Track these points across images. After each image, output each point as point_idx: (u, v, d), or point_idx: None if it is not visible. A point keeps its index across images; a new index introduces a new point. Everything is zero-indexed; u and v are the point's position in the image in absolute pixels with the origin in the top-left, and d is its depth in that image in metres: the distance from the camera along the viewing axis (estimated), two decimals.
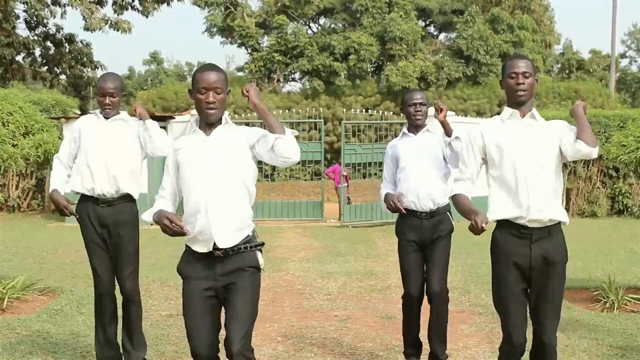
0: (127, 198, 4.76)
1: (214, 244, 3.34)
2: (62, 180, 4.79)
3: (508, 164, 3.54)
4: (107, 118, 4.77)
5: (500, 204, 3.57)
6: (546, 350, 3.56)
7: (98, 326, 4.86)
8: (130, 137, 4.76)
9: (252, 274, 3.40)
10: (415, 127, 4.98)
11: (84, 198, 4.74)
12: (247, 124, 16.33)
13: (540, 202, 3.49)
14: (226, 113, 3.50)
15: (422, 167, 4.83)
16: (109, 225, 4.70)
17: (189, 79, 52.48)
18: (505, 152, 3.55)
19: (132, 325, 4.88)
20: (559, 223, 3.57)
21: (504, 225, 3.59)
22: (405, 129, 5.04)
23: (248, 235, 3.41)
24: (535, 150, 3.52)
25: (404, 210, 4.77)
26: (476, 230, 3.33)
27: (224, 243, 3.35)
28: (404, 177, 4.90)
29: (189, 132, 3.48)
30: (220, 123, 3.44)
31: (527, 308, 3.63)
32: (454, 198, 3.69)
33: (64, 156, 4.84)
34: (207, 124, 3.42)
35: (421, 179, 4.81)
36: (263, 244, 3.50)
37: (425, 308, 4.96)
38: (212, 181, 3.34)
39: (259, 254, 3.44)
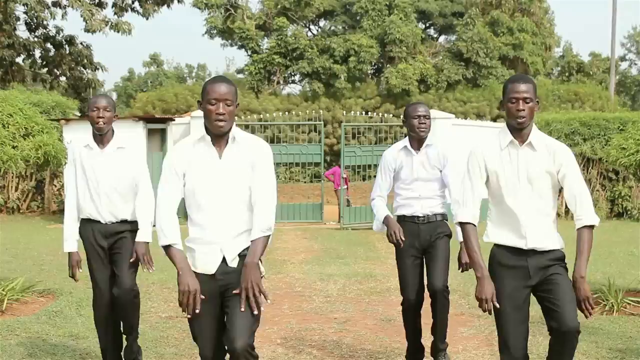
0: (130, 223, 4.75)
1: (222, 260, 3.37)
2: (75, 235, 4.76)
3: (505, 195, 3.53)
4: (101, 141, 4.65)
5: (498, 230, 3.59)
6: (572, 336, 3.44)
7: (101, 334, 4.85)
8: (129, 166, 4.68)
9: None
10: (417, 140, 4.94)
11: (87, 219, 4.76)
12: (247, 127, 16.34)
13: (538, 234, 3.50)
14: (236, 127, 3.44)
15: (420, 188, 4.89)
16: (111, 236, 4.71)
17: (189, 81, 52.27)
18: (503, 184, 3.53)
19: (129, 323, 4.82)
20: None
21: (500, 245, 3.61)
22: (407, 143, 4.98)
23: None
24: (532, 183, 3.49)
25: (402, 243, 4.79)
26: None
27: (233, 263, 3.38)
28: (402, 193, 4.97)
29: (198, 140, 3.41)
30: (233, 139, 3.40)
31: (527, 324, 3.59)
32: (462, 227, 3.61)
33: (73, 195, 4.74)
34: (216, 136, 3.39)
35: (419, 198, 4.89)
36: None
37: (426, 311, 4.96)
38: (223, 207, 3.35)
39: (259, 262, 3.46)
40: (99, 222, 4.70)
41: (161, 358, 5.27)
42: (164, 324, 6.26)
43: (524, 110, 3.44)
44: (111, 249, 4.73)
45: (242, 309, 3.20)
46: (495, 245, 3.64)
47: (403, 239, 4.77)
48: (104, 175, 4.65)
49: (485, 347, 5.61)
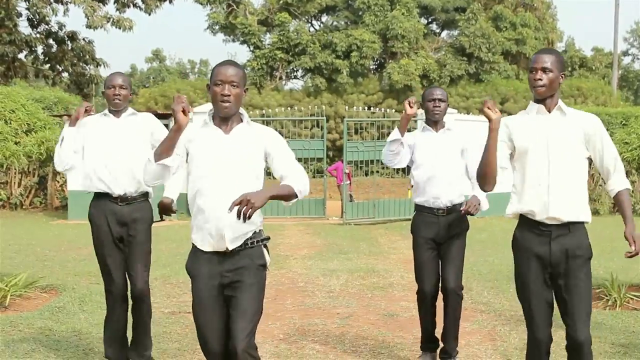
0: (145, 196, 4.73)
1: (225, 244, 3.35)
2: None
3: (531, 159, 3.50)
4: (116, 112, 4.69)
5: (520, 197, 3.56)
6: (583, 349, 3.50)
7: (108, 326, 4.83)
8: (143, 132, 4.69)
9: (258, 271, 3.40)
10: (433, 122, 4.94)
11: (100, 196, 4.66)
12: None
13: (561, 201, 3.46)
14: (245, 113, 3.45)
15: (438, 167, 4.81)
16: (127, 223, 4.63)
17: (192, 77, 52.28)
18: (529, 147, 3.50)
19: (142, 326, 4.81)
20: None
21: (523, 223, 3.59)
22: (425, 123, 5.00)
23: (255, 232, 3.41)
24: (560, 148, 3.47)
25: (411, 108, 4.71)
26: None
27: (234, 244, 3.35)
28: (420, 175, 4.89)
29: (202, 125, 3.43)
30: (241, 121, 3.42)
31: (552, 306, 3.60)
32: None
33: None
34: (222, 119, 3.39)
35: (437, 179, 4.80)
36: (269, 238, 3.50)
37: (439, 304, 4.96)
38: (227, 183, 3.32)
39: (264, 250, 3.44)
40: (114, 200, 4.61)
41: (164, 353, 5.27)
42: (166, 320, 6.27)
43: (541, 79, 3.46)
44: (123, 241, 4.66)
45: (229, 211, 3.03)
46: (517, 227, 3.62)
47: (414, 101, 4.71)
48: (121, 140, 4.62)
49: (488, 342, 5.61)
